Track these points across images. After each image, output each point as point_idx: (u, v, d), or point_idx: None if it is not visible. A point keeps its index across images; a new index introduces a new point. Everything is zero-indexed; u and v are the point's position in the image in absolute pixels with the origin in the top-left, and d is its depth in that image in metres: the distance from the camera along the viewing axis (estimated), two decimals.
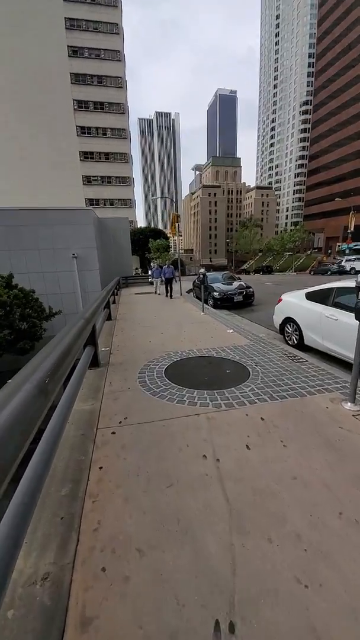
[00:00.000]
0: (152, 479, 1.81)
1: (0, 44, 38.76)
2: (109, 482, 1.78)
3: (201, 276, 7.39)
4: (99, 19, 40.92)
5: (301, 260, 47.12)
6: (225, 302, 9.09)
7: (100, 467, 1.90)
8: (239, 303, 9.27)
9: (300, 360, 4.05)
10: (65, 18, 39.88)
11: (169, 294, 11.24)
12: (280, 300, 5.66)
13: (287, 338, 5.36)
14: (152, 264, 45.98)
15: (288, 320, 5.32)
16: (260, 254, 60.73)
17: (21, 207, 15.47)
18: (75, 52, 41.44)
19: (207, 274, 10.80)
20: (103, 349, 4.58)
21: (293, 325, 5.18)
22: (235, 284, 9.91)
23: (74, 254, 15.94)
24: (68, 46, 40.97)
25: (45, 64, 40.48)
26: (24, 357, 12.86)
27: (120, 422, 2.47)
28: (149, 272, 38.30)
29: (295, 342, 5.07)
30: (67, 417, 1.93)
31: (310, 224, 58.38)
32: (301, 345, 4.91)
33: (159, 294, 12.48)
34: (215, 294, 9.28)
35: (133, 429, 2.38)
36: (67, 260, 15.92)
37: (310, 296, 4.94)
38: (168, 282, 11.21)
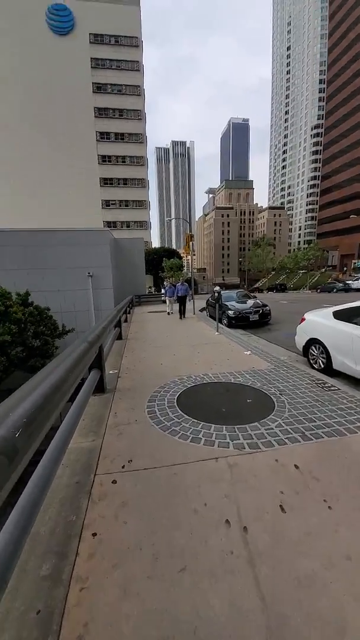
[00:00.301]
0: (160, 557, 1.37)
1: (33, 78, 42.49)
2: (103, 558, 1.36)
3: (216, 294, 7.03)
4: (122, 58, 44.34)
5: (315, 278, 46.25)
6: (240, 321, 8.66)
7: (94, 534, 1.48)
8: (254, 322, 8.81)
9: (332, 388, 3.54)
10: (91, 58, 43.49)
11: (182, 314, 10.53)
12: (303, 319, 5.20)
13: (312, 361, 4.84)
14: (165, 282, 46.62)
15: (313, 342, 4.83)
16: (273, 272, 60.30)
17: (40, 229, 16.02)
18: (99, 88, 44.76)
19: (222, 292, 10.48)
20: (111, 372, 4.24)
21: (319, 347, 4.68)
22: (251, 302, 9.50)
23: (89, 273, 16.15)
24: (93, 83, 44.38)
25: (72, 99, 43.83)
26: (34, 374, 12.75)
27: (123, 467, 2.06)
28: (162, 291, 38.65)
29: (322, 365, 4.55)
30: (60, 458, 1.56)
31: (324, 242, 57.96)
32: (329, 369, 4.38)
33: (171, 313, 11.86)
34: (230, 312, 8.89)
35: (138, 477, 1.96)
36: (82, 279, 16.13)
37: (339, 315, 4.47)
38: (181, 301, 10.54)
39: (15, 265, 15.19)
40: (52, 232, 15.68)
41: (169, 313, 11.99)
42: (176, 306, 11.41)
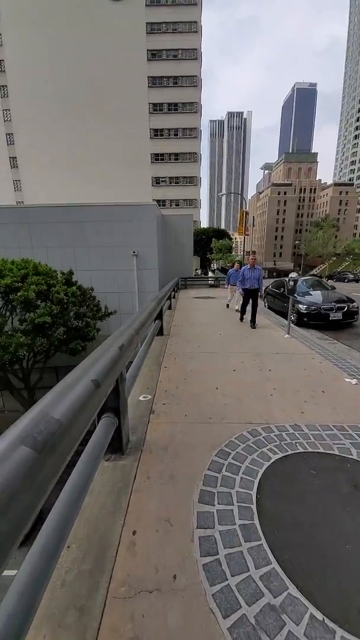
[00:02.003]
0: None
1: (84, 49, 41.51)
2: None
3: (290, 283, 5.14)
4: (179, 20, 40.70)
5: None
6: (315, 320, 6.65)
7: None
8: (335, 322, 6.73)
9: None
10: (146, 23, 40.72)
11: (253, 320, 6.27)
12: None
13: None
14: (212, 265, 44.19)
15: None
16: (334, 258, 53.31)
17: (85, 204, 15.25)
18: (153, 55, 42.13)
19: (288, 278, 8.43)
20: (141, 398, 2.89)
21: None
22: (330, 294, 7.34)
23: (134, 252, 15.11)
24: (147, 50, 41.82)
25: (125, 69, 42.01)
26: (75, 357, 12.38)
27: None
28: (209, 274, 36.53)
29: None
30: None
31: None
32: None
33: (234, 309, 7.89)
34: (302, 307, 6.89)
35: None
36: (127, 257, 15.17)
37: None
38: (252, 296, 6.37)
39: (61, 242, 14.76)
40: (97, 207, 14.79)
41: (228, 305, 8.73)
42: (235, 300, 8.06)
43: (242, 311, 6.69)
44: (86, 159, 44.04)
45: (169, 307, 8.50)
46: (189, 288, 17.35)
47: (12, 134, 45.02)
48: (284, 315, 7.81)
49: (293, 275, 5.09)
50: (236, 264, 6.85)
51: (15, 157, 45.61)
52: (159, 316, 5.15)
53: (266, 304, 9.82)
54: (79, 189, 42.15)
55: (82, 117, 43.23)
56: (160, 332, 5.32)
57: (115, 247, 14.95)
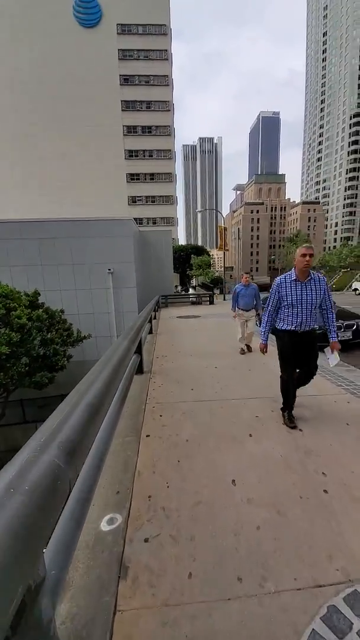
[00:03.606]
0: None
1: (58, 73, 41.69)
2: None
3: None
4: (150, 47, 42.30)
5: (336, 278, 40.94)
6: (322, 341, 5.72)
7: None
8: (343, 342, 5.83)
9: None
10: (118, 49, 41.86)
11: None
12: None
13: None
14: (192, 281, 43.78)
15: None
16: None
17: (54, 218, 14.03)
18: (126, 80, 43.10)
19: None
20: (105, 528, 1.60)
21: None
22: (336, 312, 6.53)
23: (109, 270, 13.93)
24: (120, 75, 42.79)
25: (98, 93, 42.55)
26: (41, 391, 10.69)
27: None
28: (190, 291, 35.86)
29: None
30: None
31: None
32: None
33: (244, 348, 5.47)
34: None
35: None
36: (102, 276, 13.96)
37: None
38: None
39: (27, 260, 13.30)
40: (68, 222, 13.60)
41: (243, 349, 5.46)
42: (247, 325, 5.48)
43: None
44: (59, 179, 43.33)
45: (150, 331, 7.30)
46: (170, 306, 16.29)
47: None
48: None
49: None
50: (245, 277, 5.36)
51: None
52: (138, 349, 3.93)
53: (257, 322, 8.90)
54: (52, 207, 40.96)
55: (56, 137, 42.89)
56: (139, 368, 4.08)
57: (89, 264, 13.73)
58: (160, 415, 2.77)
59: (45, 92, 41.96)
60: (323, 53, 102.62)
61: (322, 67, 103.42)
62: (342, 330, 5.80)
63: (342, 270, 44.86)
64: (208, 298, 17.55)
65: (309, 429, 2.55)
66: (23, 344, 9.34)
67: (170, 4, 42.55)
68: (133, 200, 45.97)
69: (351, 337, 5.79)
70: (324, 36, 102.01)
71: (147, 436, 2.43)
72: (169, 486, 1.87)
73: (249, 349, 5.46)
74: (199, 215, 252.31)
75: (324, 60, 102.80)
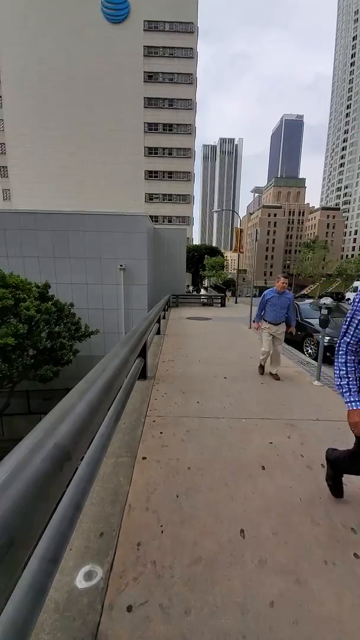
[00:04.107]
0: None
1: (84, 68, 42.01)
2: None
3: (324, 311, 3.64)
4: (176, 45, 42.02)
5: None
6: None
7: None
8: None
9: None
10: (144, 46, 41.77)
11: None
12: None
13: None
14: (204, 282, 43.27)
15: None
16: (323, 278, 53.72)
17: (69, 211, 13.94)
18: (150, 77, 43.00)
19: (301, 303, 7.15)
20: (81, 585, 1.28)
21: None
22: None
23: (121, 266, 13.75)
24: (144, 72, 42.70)
25: (122, 89, 42.62)
26: (45, 384, 10.58)
27: None
28: (202, 292, 35.42)
29: None
30: None
31: None
32: None
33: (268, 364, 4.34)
34: (325, 339, 5.52)
35: None
36: (114, 271, 13.79)
37: None
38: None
39: (40, 252, 13.27)
40: (83, 216, 13.48)
41: (262, 366, 4.38)
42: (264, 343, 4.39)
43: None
44: (79, 173, 43.73)
45: (158, 332, 7.00)
46: (181, 306, 15.97)
47: (4, 143, 44.36)
48: (296, 346, 6.43)
49: (327, 301, 3.70)
50: (281, 281, 3.88)
51: (6, 167, 44.75)
52: (142, 352, 3.63)
53: None
54: (70, 201, 41.34)
55: (76, 132, 43.29)
56: (142, 374, 3.78)
57: (101, 259, 13.59)
58: (161, 433, 2.45)
59: (68, 86, 42.35)
60: (352, 57, 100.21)
61: (350, 71, 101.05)
62: None
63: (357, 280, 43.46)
64: (220, 300, 17.15)
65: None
66: (30, 335, 9.22)
67: (199, 3, 42.07)
68: (150, 198, 45.91)
69: None
70: (353, 40, 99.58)
71: (143, 458, 2.11)
72: (164, 531, 1.55)
73: (275, 376, 4.05)
74: (215, 215, 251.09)
75: (352, 64, 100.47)
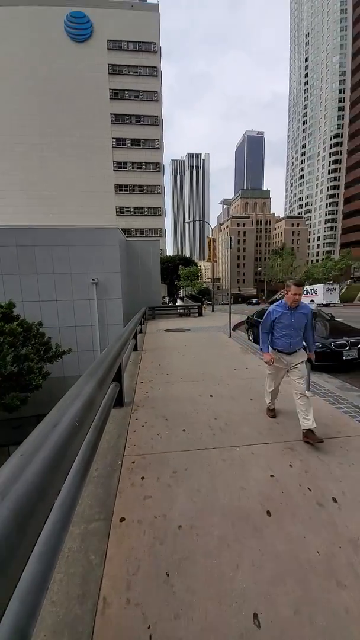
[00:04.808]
0: None
1: (49, 85, 41.66)
2: None
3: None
4: (140, 64, 43.13)
5: (343, 290, 41.81)
6: (325, 360, 5.13)
7: None
8: (348, 362, 5.26)
9: None
10: (108, 64, 42.42)
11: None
12: None
13: None
14: (180, 292, 43.34)
15: None
16: None
17: (35, 225, 13.22)
18: (116, 94, 43.55)
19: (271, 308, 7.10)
20: None
21: None
22: (338, 327, 5.97)
23: (93, 280, 13.16)
24: (110, 89, 43.20)
25: (88, 106, 42.74)
26: (11, 414, 9.59)
27: None
28: (178, 302, 35.34)
29: None
30: None
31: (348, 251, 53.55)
32: None
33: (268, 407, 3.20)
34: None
35: None
36: (85, 286, 13.16)
37: None
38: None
39: (3, 269, 12.37)
40: (51, 230, 12.83)
41: (270, 408, 3.15)
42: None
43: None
44: (47, 188, 42.67)
45: (135, 348, 6.54)
46: (158, 318, 15.58)
47: None
48: None
49: (312, 307, 3.52)
50: (292, 290, 2.61)
51: None
52: (117, 376, 3.19)
53: (251, 337, 8.32)
54: (37, 217, 40.06)
55: (43, 148, 42.46)
56: (118, 400, 3.32)
57: (71, 274, 12.93)
58: (142, 478, 2.01)
59: (35, 104, 41.76)
60: (305, 77, 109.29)
61: (305, 90, 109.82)
62: (348, 348, 5.25)
63: (349, 281, 45.68)
64: (197, 310, 16.99)
65: (349, 498, 1.86)
66: None
67: (161, 24, 43.77)
68: (121, 211, 45.80)
69: (357, 355, 5.24)
70: (306, 61, 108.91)
71: (121, 520, 1.67)
72: (153, 635, 1.12)
73: (314, 437, 2.46)
74: (187, 227, 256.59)
75: (306, 83, 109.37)
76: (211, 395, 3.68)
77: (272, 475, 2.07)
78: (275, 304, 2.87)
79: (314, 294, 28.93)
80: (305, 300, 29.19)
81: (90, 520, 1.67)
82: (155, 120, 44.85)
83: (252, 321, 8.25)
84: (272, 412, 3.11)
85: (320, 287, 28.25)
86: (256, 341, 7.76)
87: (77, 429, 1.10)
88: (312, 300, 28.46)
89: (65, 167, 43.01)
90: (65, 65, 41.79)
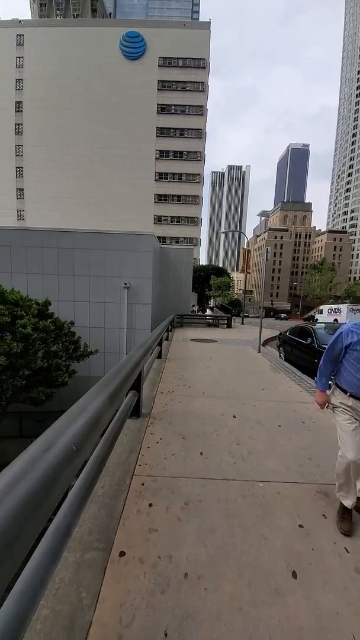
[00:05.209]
0: None
1: (101, 101, 44.64)
2: None
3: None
4: (188, 79, 44.60)
5: None
6: None
7: None
8: None
9: None
10: (158, 80, 44.47)
11: None
12: None
13: None
14: (210, 302, 42.97)
15: None
16: (331, 300, 52.96)
17: (76, 229, 13.93)
18: (163, 109, 45.38)
19: (316, 326, 6.55)
20: None
21: None
22: None
23: (125, 284, 13.45)
24: (157, 104, 45.16)
25: (136, 119, 44.99)
26: (37, 407, 9.93)
27: None
28: (207, 312, 35.00)
29: None
30: None
31: None
32: None
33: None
34: None
35: None
36: (117, 290, 13.49)
37: None
38: None
39: (44, 269, 13.12)
40: (89, 234, 13.43)
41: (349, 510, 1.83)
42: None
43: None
44: (90, 196, 45.31)
45: (159, 356, 6.42)
46: (186, 326, 15.44)
47: (22, 167, 46.62)
48: (311, 373, 5.76)
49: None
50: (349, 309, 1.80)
51: (22, 189, 46.76)
52: (136, 385, 3.05)
53: (282, 355, 7.81)
54: (81, 222, 42.55)
55: (91, 158, 45.33)
56: (135, 410, 3.18)
57: (105, 277, 13.34)
58: (150, 505, 1.81)
59: (88, 117, 44.94)
60: (357, 89, 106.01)
61: (356, 102, 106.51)
62: None
63: None
64: (225, 321, 16.58)
65: None
66: (24, 355, 8.73)
67: (211, 40, 45.03)
68: (159, 220, 47.08)
69: None
70: (358, 73, 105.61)
71: (121, 555, 1.48)
72: None
73: None
74: (222, 237, 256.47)
75: (357, 96, 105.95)
76: (234, 416, 3.39)
77: (301, 526, 1.76)
78: (353, 322, 1.89)
79: (337, 313, 27.90)
80: (329, 319, 27.80)
81: (87, 547, 1.50)
82: (198, 134, 45.85)
83: (285, 338, 7.75)
84: (348, 519, 1.77)
85: (343, 307, 27.43)
86: (289, 361, 7.24)
87: (73, 454, 0.95)
88: (335, 320, 27.53)
89: (110, 176, 45.41)
90: (117, 82, 44.56)
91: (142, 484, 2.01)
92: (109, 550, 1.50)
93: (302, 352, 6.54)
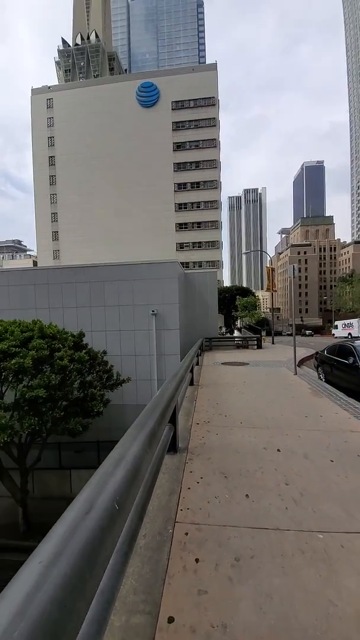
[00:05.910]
0: None
1: (121, 146, 49.02)
2: None
3: None
4: (200, 117, 47.83)
5: None
6: None
7: None
8: None
9: None
10: (172, 122, 48.20)
11: None
12: None
13: None
14: (237, 323, 42.28)
15: None
16: None
17: (104, 263, 14.79)
18: (178, 146, 48.64)
19: (356, 343, 6.09)
20: None
21: None
22: None
23: (153, 311, 13.75)
24: (173, 143, 48.61)
25: (154, 159, 48.58)
26: (74, 438, 10.01)
27: None
28: (235, 333, 34.28)
29: None
30: None
31: None
32: None
33: None
34: None
35: None
36: (145, 317, 13.82)
37: None
38: None
39: (78, 302, 13.90)
40: (117, 266, 14.16)
41: None
42: None
43: None
44: (117, 231, 48.53)
45: (191, 382, 6.28)
46: (214, 349, 15.19)
47: (56, 213, 51.63)
48: (357, 397, 5.27)
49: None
50: None
51: (57, 232, 51.38)
52: (172, 418, 2.95)
53: (322, 376, 7.28)
54: (110, 257, 45.30)
55: (116, 198, 49.08)
56: (172, 445, 3.05)
57: (133, 305, 13.78)
58: (197, 561, 1.65)
59: (111, 161, 49.37)
60: None
61: None
62: None
63: None
64: (255, 341, 16.08)
65: None
66: (62, 386, 9.02)
67: (219, 78, 48.52)
68: (181, 247, 48.74)
69: None
70: None
71: (170, 621, 1.33)
72: None
73: None
74: (244, 258, 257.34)
75: None
76: (279, 450, 3.12)
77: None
78: None
79: (350, 327, 27.62)
80: (343, 333, 28.17)
81: (133, 610, 1.37)
82: (213, 164, 48.16)
83: (323, 358, 7.26)
84: None
85: (354, 321, 27.17)
86: (330, 382, 6.73)
87: (116, 513, 0.89)
88: (349, 334, 26.95)
89: (133, 211, 48.56)
90: (136, 128, 48.97)
91: (186, 534, 1.86)
92: (156, 614, 1.36)
93: (345, 373, 6.07)
